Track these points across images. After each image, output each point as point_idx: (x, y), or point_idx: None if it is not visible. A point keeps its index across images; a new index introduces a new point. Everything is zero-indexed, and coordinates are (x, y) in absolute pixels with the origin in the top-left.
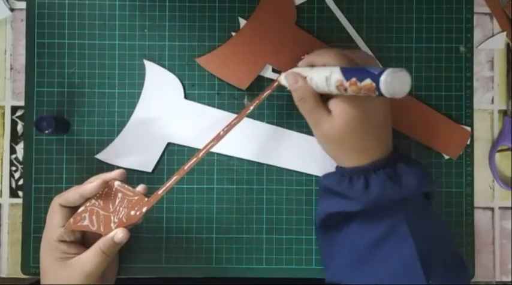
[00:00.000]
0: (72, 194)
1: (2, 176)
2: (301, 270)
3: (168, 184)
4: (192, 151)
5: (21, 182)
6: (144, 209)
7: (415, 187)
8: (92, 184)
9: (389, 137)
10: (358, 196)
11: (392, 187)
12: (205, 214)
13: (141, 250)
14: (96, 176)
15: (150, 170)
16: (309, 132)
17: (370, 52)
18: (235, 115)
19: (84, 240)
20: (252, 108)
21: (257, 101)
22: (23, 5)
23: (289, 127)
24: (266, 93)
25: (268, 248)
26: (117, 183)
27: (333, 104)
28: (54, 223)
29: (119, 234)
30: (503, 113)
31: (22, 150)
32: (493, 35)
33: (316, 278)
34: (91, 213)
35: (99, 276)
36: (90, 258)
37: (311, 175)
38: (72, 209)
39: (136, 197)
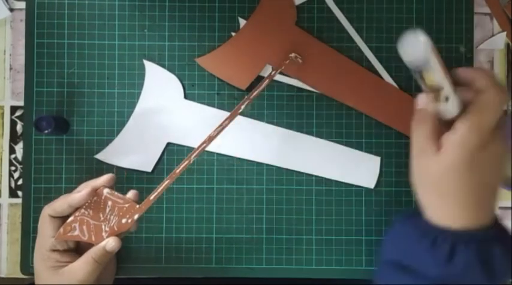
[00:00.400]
0: (60, 204)
1: (1, 176)
2: (301, 270)
3: (159, 189)
4: (192, 150)
5: (20, 182)
6: (136, 217)
7: (505, 278)
8: (80, 193)
9: (495, 204)
10: (438, 264)
11: (479, 269)
12: (205, 213)
13: (141, 250)
14: (85, 183)
15: (149, 170)
16: (309, 132)
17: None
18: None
19: (78, 247)
20: (243, 107)
21: (247, 101)
22: (23, 5)
23: (289, 127)
24: (256, 92)
25: (268, 248)
26: (106, 191)
27: (447, 139)
28: (45, 233)
29: (110, 243)
30: (504, 113)
31: (21, 150)
32: (493, 35)
33: (316, 278)
34: (81, 223)
35: (92, 283)
36: (81, 267)
37: (311, 175)
38: (62, 219)
39: (127, 205)
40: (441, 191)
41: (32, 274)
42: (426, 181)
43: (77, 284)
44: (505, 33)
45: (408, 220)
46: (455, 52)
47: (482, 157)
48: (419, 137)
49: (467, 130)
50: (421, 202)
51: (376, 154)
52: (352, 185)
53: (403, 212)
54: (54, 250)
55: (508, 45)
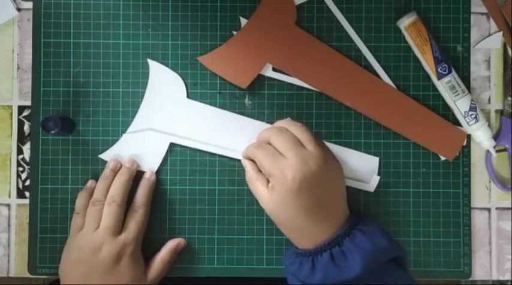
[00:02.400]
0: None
1: (10, 177)
2: None
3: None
4: (194, 151)
5: (28, 183)
6: None
7: (357, 268)
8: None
9: (340, 206)
10: (305, 280)
11: (333, 270)
12: (207, 214)
13: (144, 250)
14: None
15: (154, 170)
16: None
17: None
18: (236, 115)
19: None
20: None
21: None
22: (30, 5)
23: None
24: None
25: (268, 248)
26: None
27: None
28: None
29: (181, 243)
30: (500, 113)
31: (29, 151)
32: (489, 35)
33: None
34: None
35: None
36: (157, 269)
37: None
38: None
39: None
40: (280, 224)
41: (39, 274)
42: (271, 217)
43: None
44: (501, 32)
45: (288, 251)
46: (453, 51)
47: (302, 179)
48: (254, 188)
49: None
50: (288, 235)
51: (375, 154)
52: (350, 186)
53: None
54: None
55: (504, 45)
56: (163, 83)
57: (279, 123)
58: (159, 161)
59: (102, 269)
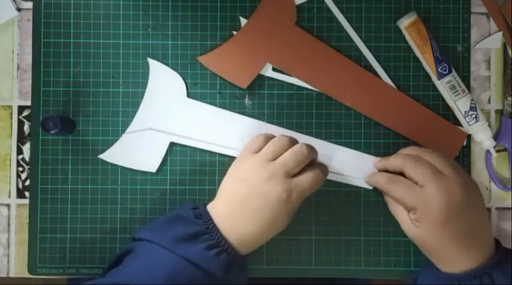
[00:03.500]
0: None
1: (10, 177)
2: (301, 270)
3: None
4: (194, 151)
5: (27, 183)
6: None
7: None
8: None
9: (487, 236)
10: None
11: None
12: None
13: None
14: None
15: (154, 170)
16: (308, 132)
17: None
18: (237, 115)
19: None
20: None
21: None
22: (30, 5)
23: (289, 126)
24: None
25: (268, 248)
26: None
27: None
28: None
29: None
30: (500, 113)
31: (29, 151)
32: (489, 35)
33: (315, 277)
34: None
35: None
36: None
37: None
38: None
39: None
40: (426, 251)
41: (39, 274)
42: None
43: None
44: (501, 32)
45: (428, 272)
46: (453, 51)
47: (450, 205)
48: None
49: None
50: (431, 258)
51: (375, 154)
52: (351, 186)
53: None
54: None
55: (504, 45)
56: (164, 82)
57: (408, 151)
58: (159, 160)
59: (262, 202)
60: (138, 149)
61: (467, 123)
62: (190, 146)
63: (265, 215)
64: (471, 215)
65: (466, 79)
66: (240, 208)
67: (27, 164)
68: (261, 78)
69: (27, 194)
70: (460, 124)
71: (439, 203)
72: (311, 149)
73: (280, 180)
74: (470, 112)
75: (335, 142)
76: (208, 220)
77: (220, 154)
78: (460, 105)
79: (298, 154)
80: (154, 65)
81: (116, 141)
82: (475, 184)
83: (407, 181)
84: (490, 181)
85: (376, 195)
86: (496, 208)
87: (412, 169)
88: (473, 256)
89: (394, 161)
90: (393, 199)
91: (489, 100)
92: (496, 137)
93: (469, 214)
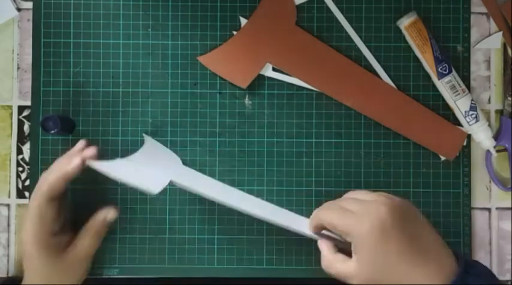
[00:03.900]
0: (56, 184)
1: (10, 177)
2: (301, 271)
3: None
4: (194, 152)
5: (27, 183)
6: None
7: None
8: (72, 165)
9: (440, 251)
10: None
11: None
12: (208, 214)
13: (145, 251)
14: (67, 154)
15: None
16: (308, 132)
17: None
18: (231, 188)
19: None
20: None
21: None
22: (30, 5)
23: (289, 126)
24: None
25: (268, 248)
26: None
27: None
28: (45, 219)
29: (111, 213)
30: (500, 113)
31: (29, 151)
32: (489, 35)
33: (316, 277)
34: None
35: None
36: (88, 242)
37: (311, 176)
38: (58, 200)
39: None
40: None
41: None
42: None
43: (86, 261)
44: (501, 32)
45: None
46: (453, 51)
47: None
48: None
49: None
50: None
51: (375, 154)
52: (350, 186)
53: None
54: (55, 234)
55: (504, 45)
56: (156, 157)
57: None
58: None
59: None
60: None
61: (468, 122)
62: (190, 149)
63: None
64: (414, 226)
65: (466, 79)
66: None
67: (27, 164)
68: (261, 78)
69: (27, 194)
70: (460, 124)
71: (371, 217)
72: None
73: None
74: (471, 112)
75: (335, 142)
76: None
77: (220, 154)
78: (460, 104)
79: None
80: (148, 141)
81: (116, 140)
82: (407, 202)
83: (339, 205)
84: (490, 181)
85: None
86: (496, 208)
87: (339, 201)
88: (434, 274)
89: (320, 212)
90: (328, 226)
91: (489, 100)
92: (496, 137)
93: (409, 225)
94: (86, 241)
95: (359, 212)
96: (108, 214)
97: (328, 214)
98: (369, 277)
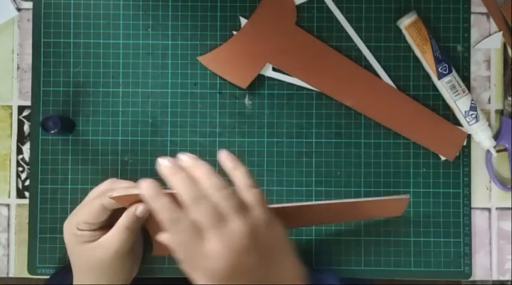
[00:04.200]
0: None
1: (10, 177)
2: None
3: None
4: (194, 152)
5: (27, 183)
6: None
7: None
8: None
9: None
10: None
11: None
12: None
13: (145, 251)
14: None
15: None
16: (308, 132)
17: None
18: None
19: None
20: None
21: None
22: (30, 5)
23: (289, 126)
24: None
25: None
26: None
27: None
28: (84, 214)
29: (140, 208)
30: (500, 113)
31: (28, 151)
32: (489, 35)
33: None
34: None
35: (127, 254)
36: (115, 236)
37: (311, 176)
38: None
39: None
40: None
41: (39, 274)
42: None
43: (113, 255)
44: (501, 32)
45: None
46: (453, 51)
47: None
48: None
49: None
50: None
51: (375, 154)
52: (351, 186)
53: None
54: (88, 230)
55: (504, 45)
56: None
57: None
58: None
59: None
60: None
61: (468, 122)
62: (190, 149)
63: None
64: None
65: (466, 79)
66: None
67: (27, 164)
68: (261, 78)
69: (27, 194)
70: (460, 124)
71: (217, 263)
72: None
73: None
74: (471, 112)
75: (335, 142)
76: None
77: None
78: (460, 104)
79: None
80: None
81: (116, 140)
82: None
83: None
84: (490, 181)
85: (376, 195)
86: (496, 208)
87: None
88: None
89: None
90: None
91: (489, 100)
92: (496, 137)
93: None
94: (115, 234)
95: (210, 247)
96: (137, 208)
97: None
98: None
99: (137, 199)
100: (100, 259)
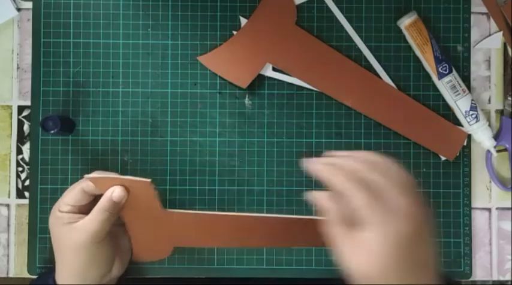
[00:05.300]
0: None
1: (9, 177)
2: (301, 271)
3: None
4: (194, 152)
5: (27, 183)
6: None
7: None
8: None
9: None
10: None
11: None
12: None
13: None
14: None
15: None
16: (308, 132)
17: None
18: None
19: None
20: None
21: None
22: (30, 5)
23: (289, 126)
24: None
25: (268, 248)
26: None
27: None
28: (67, 198)
29: (116, 191)
30: (501, 113)
31: (28, 151)
32: (489, 35)
33: (316, 278)
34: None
35: (104, 240)
36: (93, 218)
37: (311, 176)
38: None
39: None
40: None
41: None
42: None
43: (91, 236)
44: (501, 32)
45: None
46: (453, 51)
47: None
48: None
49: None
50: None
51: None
52: None
53: None
54: (68, 212)
55: (504, 45)
56: None
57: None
58: None
59: None
60: None
61: (468, 122)
62: (190, 149)
63: None
64: (420, 250)
65: (466, 79)
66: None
67: (27, 164)
68: (261, 78)
69: (26, 194)
70: (460, 124)
71: (391, 232)
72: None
73: None
74: (471, 112)
75: (335, 142)
76: None
77: (220, 154)
78: (460, 104)
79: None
80: None
81: (116, 140)
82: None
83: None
84: (490, 181)
85: None
86: (496, 208)
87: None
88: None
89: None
90: (341, 192)
91: (489, 100)
92: (496, 137)
93: (417, 248)
94: (94, 216)
95: (387, 211)
96: (114, 192)
97: (355, 188)
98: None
99: (115, 184)
100: (74, 241)
